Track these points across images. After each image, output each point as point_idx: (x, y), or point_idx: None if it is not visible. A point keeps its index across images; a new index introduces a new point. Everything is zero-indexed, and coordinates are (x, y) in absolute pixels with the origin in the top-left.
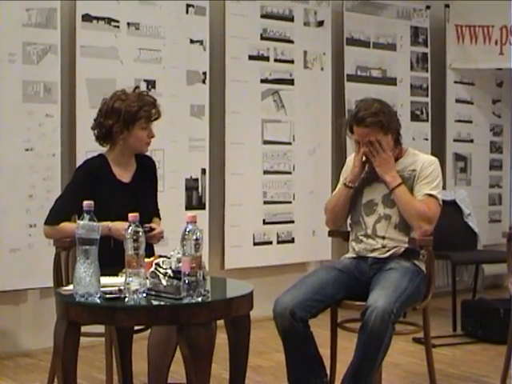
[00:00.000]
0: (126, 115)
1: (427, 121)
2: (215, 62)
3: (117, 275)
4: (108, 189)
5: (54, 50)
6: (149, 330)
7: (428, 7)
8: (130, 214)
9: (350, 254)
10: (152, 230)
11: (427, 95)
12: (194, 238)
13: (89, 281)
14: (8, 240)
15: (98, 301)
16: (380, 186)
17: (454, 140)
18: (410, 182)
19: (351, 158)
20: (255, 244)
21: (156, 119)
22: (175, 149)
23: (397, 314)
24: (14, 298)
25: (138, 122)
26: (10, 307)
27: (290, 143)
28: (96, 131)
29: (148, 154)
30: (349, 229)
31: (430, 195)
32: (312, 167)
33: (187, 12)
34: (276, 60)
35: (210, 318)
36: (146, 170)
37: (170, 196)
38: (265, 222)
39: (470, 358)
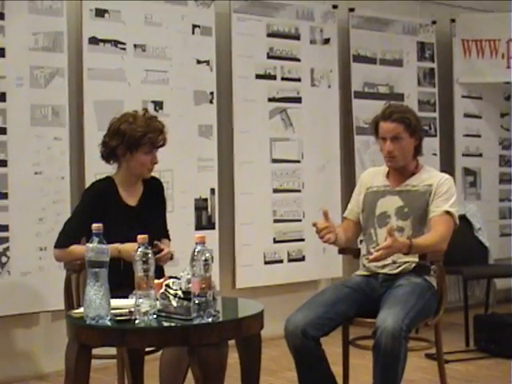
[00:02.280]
0: (130, 139)
1: (436, 136)
2: (222, 81)
3: (127, 297)
4: (115, 212)
5: (62, 73)
6: (160, 351)
7: (434, 22)
8: (139, 236)
9: (361, 272)
10: (160, 250)
11: (435, 110)
12: (203, 258)
13: (99, 303)
14: (19, 263)
15: (109, 323)
16: (394, 198)
17: (463, 154)
18: (425, 195)
19: (365, 174)
20: (266, 263)
21: (161, 146)
22: (184, 169)
23: (407, 330)
24: (26, 321)
25: (141, 147)
26: (22, 330)
27: (298, 161)
28: (101, 149)
29: (156, 174)
30: (359, 246)
31: (448, 212)
32: (321, 184)
33: (193, 33)
34: (283, 78)
35: (220, 339)
36: (154, 192)
37: (179, 216)
38: (275, 241)
39: (484, 373)
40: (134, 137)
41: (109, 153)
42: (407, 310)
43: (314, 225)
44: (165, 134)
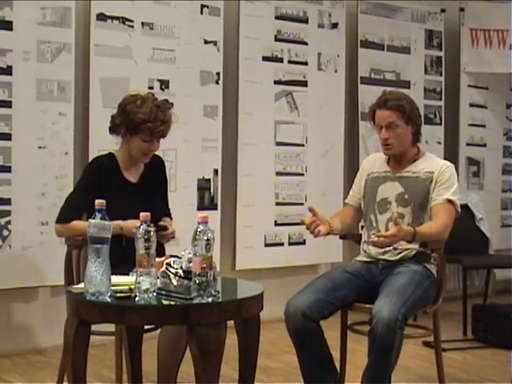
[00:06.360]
0: (131, 123)
1: (440, 124)
2: (229, 62)
3: (128, 274)
4: (116, 188)
5: (68, 49)
6: (159, 330)
7: (443, 10)
8: (142, 214)
9: (361, 257)
10: (165, 229)
11: (441, 99)
12: (205, 238)
13: (100, 279)
14: (20, 237)
15: (109, 299)
16: (394, 184)
17: (467, 144)
18: (426, 182)
19: (367, 160)
20: (266, 245)
21: (161, 137)
22: (188, 149)
23: (402, 319)
24: (26, 295)
25: (140, 133)
26: (21, 304)
27: (302, 145)
28: (110, 120)
29: (160, 154)
30: (360, 231)
31: (450, 201)
32: (324, 169)
33: (202, 12)
34: (290, 61)
35: (219, 319)
36: (155, 169)
37: (181, 196)
38: (276, 224)
39: (480, 363)
40: (133, 121)
41: (112, 128)
42: (404, 300)
43: (302, 222)
44: (168, 125)
